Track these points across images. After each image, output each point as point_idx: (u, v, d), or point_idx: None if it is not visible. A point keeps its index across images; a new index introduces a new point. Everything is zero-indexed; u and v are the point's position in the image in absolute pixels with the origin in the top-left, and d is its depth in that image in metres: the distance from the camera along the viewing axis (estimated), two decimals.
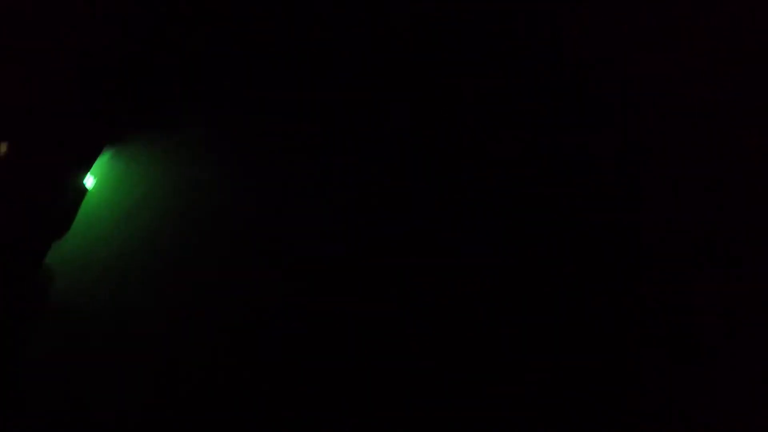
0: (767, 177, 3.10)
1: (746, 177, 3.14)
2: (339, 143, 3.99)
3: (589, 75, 3.82)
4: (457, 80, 4.11)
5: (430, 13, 4.43)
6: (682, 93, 3.54)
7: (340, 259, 3.38)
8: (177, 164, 4.08)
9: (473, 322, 2.97)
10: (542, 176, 3.49)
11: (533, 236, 3.24)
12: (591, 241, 3.15)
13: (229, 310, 3.25)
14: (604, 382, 2.66)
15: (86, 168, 3.49)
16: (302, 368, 2.95)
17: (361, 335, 3.02)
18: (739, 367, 2.57)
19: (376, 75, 4.34)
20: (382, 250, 3.36)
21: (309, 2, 4.78)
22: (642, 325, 2.79)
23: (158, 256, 3.58)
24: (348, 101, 4.24)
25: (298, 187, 3.82)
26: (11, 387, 2.95)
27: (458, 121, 3.89)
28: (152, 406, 2.90)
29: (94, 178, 3.98)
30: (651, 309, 2.83)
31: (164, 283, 3.44)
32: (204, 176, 3.97)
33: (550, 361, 2.77)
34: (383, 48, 4.44)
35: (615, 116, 3.61)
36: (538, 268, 3.10)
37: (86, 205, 3.92)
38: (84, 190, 3.44)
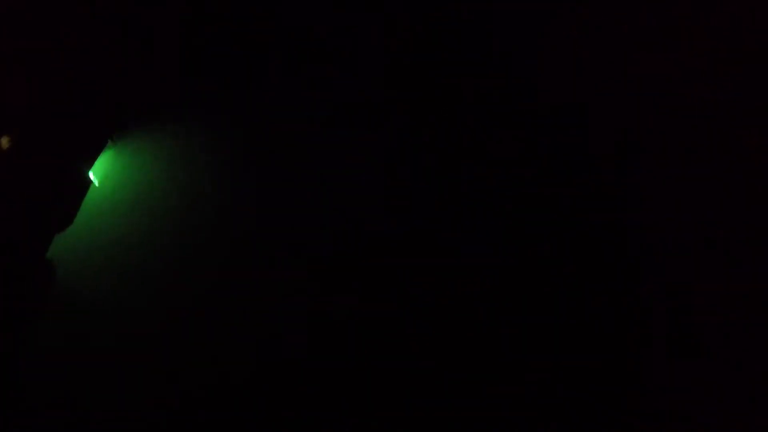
0: (767, 177, 3.10)
1: (746, 177, 3.14)
2: (339, 143, 4.00)
3: (589, 75, 3.82)
4: (457, 80, 4.11)
5: (431, 13, 4.43)
6: (682, 93, 3.54)
7: (340, 259, 3.38)
8: (180, 159, 4.08)
9: (473, 322, 2.97)
10: (542, 176, 3.49)
11: (533, 236, 3.24)
12: (591, 241, 3.15)
13: (230, 305, 3.25)
14: (604, 382, 2.67)
15: (90, 162, 3.50)
16: (302, 368, 2.95)
17: (361, 335, 3.02)
18: (739, 367, 2.57)
19: (377, 75, 4.34)
20: (382, 250, 3.37)
21: (309, 2, 4.78)
22: (642, 325, 2.79)
23: (160, 249, 3.58)
24: (348, 101, 4.24)
25: (300, 185, 3.82)
26: (11, 385, 2.95)
27: (458, 121, 3.89)
28: (152, 403, 2.90)
29: (98, 172, 4.00)
30: (651, 309, 2.84)
31: (165, 276, 3.44)
32: (206, 171, 3.97)
33: (550, 361, 2.77)
34: (383, 48, 4.44)
35: (615, 116, 3.61)
36: (538, 268, 3.10)
37: (89, 199, 3.93)
38: (88, 183, 3.44)
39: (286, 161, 3.98)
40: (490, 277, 3.11)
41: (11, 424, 2.88)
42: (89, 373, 3.10)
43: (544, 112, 3.76)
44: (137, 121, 4.38)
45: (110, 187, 3.95)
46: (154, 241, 3.67)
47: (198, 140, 4.24)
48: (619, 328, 2.81)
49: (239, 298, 3.31)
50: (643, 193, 3.25)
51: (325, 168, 3.88)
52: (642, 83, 3.66)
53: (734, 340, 2.65)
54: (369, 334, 3.03)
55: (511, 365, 2.78)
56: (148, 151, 4.21)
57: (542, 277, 3.07)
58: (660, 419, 2.51)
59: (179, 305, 3.32)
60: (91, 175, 3.82)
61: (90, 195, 3.92)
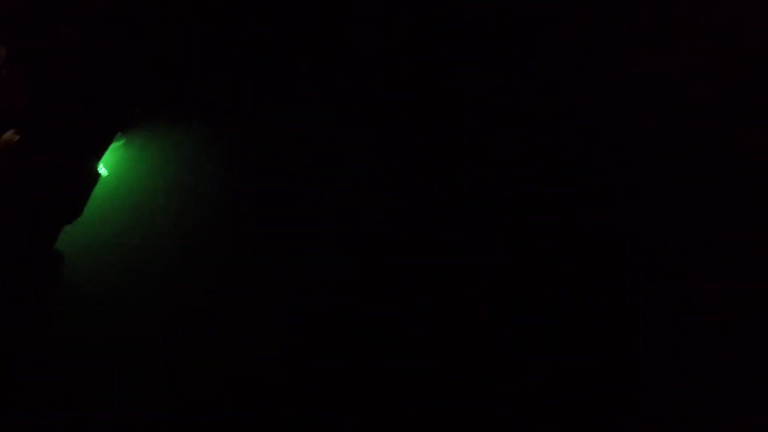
0: (767, 177, 3.10)
1: (746, 177, 3.14)
2: (339, 143, 3.99)
3: (589, 75, 3.82)
4: (457, 80, 4.11)
5: (430, 13, 4.43)
6: (682, 93, 3.54)
7: (340, 259, 3.38)
8: (187, 154, 4.08)
9: (473, 322, 2.97)
10: (542, 176, 3.49)
11: (533, 236, 3.24)
12: (591, 241, 3.15)
13: (230, 302, 3.25)
14: (604, 382, 2.66)
15: (99, 155, 3.50)
16: (302, 368, 2.95)
17: (361, 335, 3.02)
18: (739, 367, 2.57)
19: (377, 75, 4.34)
20: (383, 250, 3.36)
21: (309, 2, 4.78)
22: (642, 325, 2.79)
23: (160, 249, 3.58)
24: (348, 101, 4.24)
25: (300, 185, 3.82)
26: (11, 385, 2.95)
27: (458, 122, 3.89)
28: (152, 403, 2.90)
29: (106, 165, 4.02)
30: (651, 309, 2.83)
31: (165, 276, 3.44)
32: (207, 170, 3.97)
33: (550, 361, 2.77)
34: (383, 48, 4.44)
35: (615, 116, 3.61)
36: (538, 268, 3.10)
37: (97, 193, 3.95)
38: (97, 175, 3.44)
39: (286, 161, 3.98)
40: (490, 277, 3.11)
41: (11, 424, 2.87)
42: (89, 372, 3.10)
43: (544, 112, 3.76)
44: (139, 121, 4.38)
45: (118, 178, 3.97)
46: (154, 241, 3.67)
47: (199, 140, 4.24)
48: (619, 328, 2.81)
49: (239, 298, 3.31)
50: (643, 193, 3.25)
51: (325, 168, 3.88)
52: (642, 83, 3.66)
53: (734, 340, 2.65)
54: (369, 333, 3.02)
55: (511, 365, 2.78)
56: (156, 142, 4.23)
57: (542, 277, 3.07)
58: (660, 419, 2.51)
59: (179, 304, 3.32)
60: (101, 167, 3.84)
61: (98, 186, 3.95)
